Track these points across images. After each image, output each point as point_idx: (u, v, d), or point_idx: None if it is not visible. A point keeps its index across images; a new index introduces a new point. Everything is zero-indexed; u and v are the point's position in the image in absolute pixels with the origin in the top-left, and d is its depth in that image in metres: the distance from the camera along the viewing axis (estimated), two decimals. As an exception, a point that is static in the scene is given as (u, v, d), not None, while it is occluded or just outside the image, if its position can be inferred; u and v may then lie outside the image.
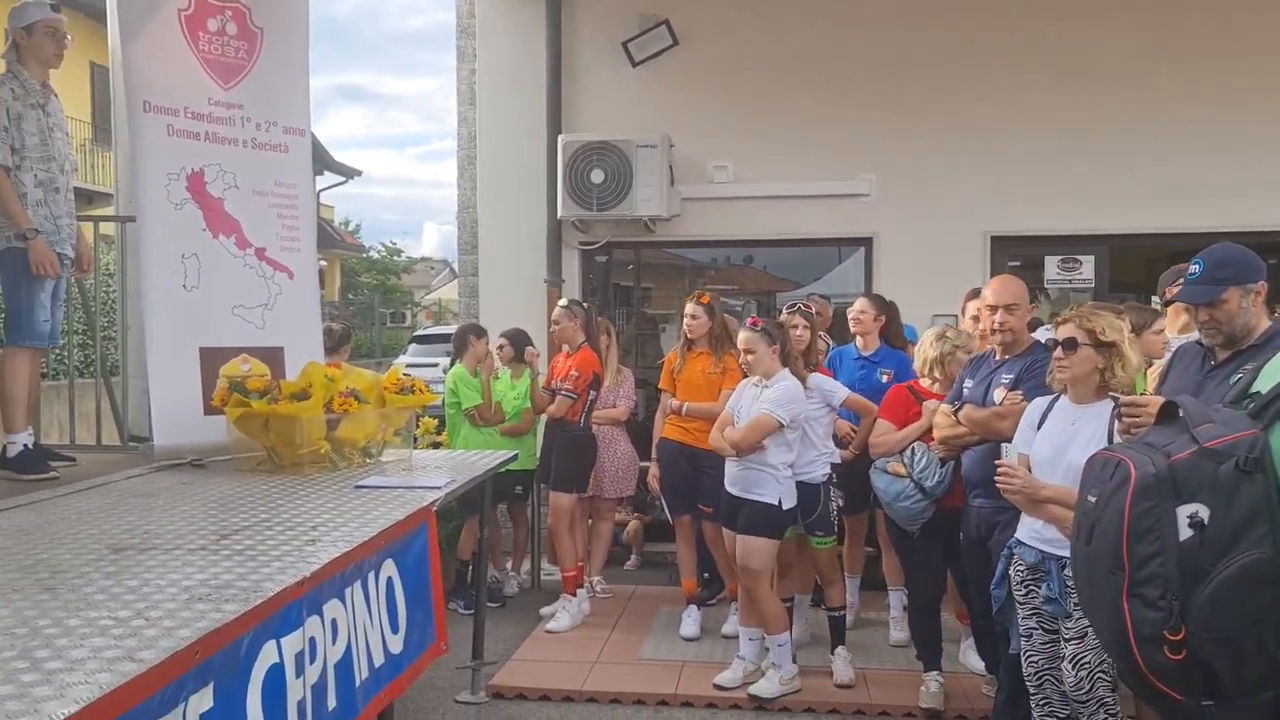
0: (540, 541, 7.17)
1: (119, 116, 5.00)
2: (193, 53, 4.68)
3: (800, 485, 4.82)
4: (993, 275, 5.95)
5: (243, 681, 2.29)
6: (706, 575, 6.11)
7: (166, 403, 4.53)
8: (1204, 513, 2.46)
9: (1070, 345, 3.46)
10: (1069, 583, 3.28)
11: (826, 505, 4.99)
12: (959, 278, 6.32)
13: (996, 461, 3.56)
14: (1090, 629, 3.12)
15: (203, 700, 2.11)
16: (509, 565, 6.99)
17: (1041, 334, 4.92)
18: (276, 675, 2.42)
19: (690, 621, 5.71)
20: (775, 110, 7.49)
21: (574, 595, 6.04)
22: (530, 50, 7.63)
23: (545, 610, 6.16)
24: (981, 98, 7.33)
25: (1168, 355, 3.75)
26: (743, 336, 4.82)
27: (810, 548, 5.08)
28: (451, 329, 22.03)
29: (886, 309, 5.76)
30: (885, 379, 5.46)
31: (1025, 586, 3.56)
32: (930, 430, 4.45)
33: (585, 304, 6.51)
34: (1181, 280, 3.31)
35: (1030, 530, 3.54)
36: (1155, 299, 5.46)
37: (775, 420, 4.61)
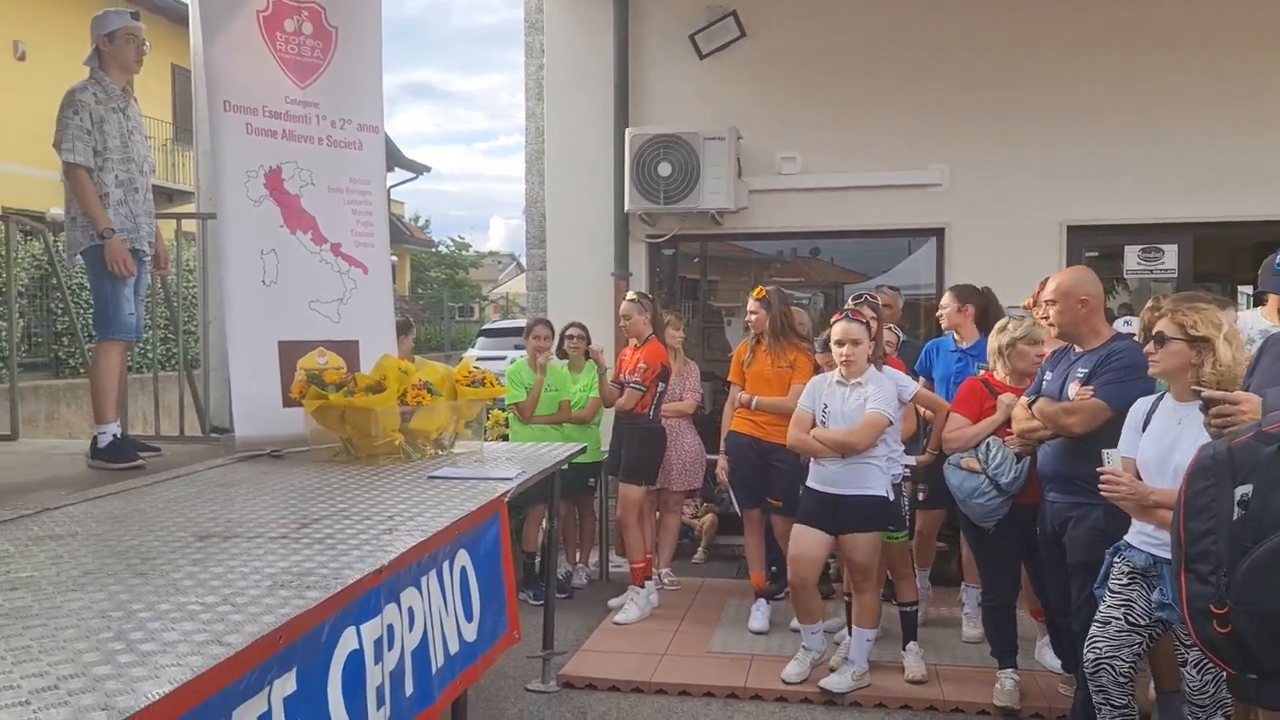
0: (608, 533, 7.21)
1: (200, 116, 5.15)
2: (270, 52, 4.78)
3: None
4: (1069, 266, 5.83)
5: (324, 667, 2.34)
6: (775, 569, 6.08)
7: (247, 395, 4.64)
8: (1250, 492, 2.51)
9: (1160, 339, 3.36)
10: None
11: (899, 499, 4.94)
12: (1034, 269, 6.17)
13: (1099, 469, 3.42)
14: None
15: (286, 684, 2.17)
16: (577, 557, 7.04)
17: (1120, 325, 4.82)
18: (356, 661, 2.47)
19: (759, 615, 5.69)
20: (844, 100, 7.42)
21: (642, 587, 6.07)
22: (597, 45, 7.66)
23: (613, 602, 6.19)
24: (1057, 83, 7.17)
25: (1257, 344, 3.63)
26: (850, 328, 4.67)
27: (883, 542, 5.01)
28: (519, 323, 22.25)
29: (975, 298, 5.67)
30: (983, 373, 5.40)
31: (1129, 578, 3.45)
32: (1005, 425, 4.37)
33: (651, 297, 6.52)
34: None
35: (1141, 534, 3.42)
36: (1243, 289, 5.30)
37: (888, 418, 4.59)
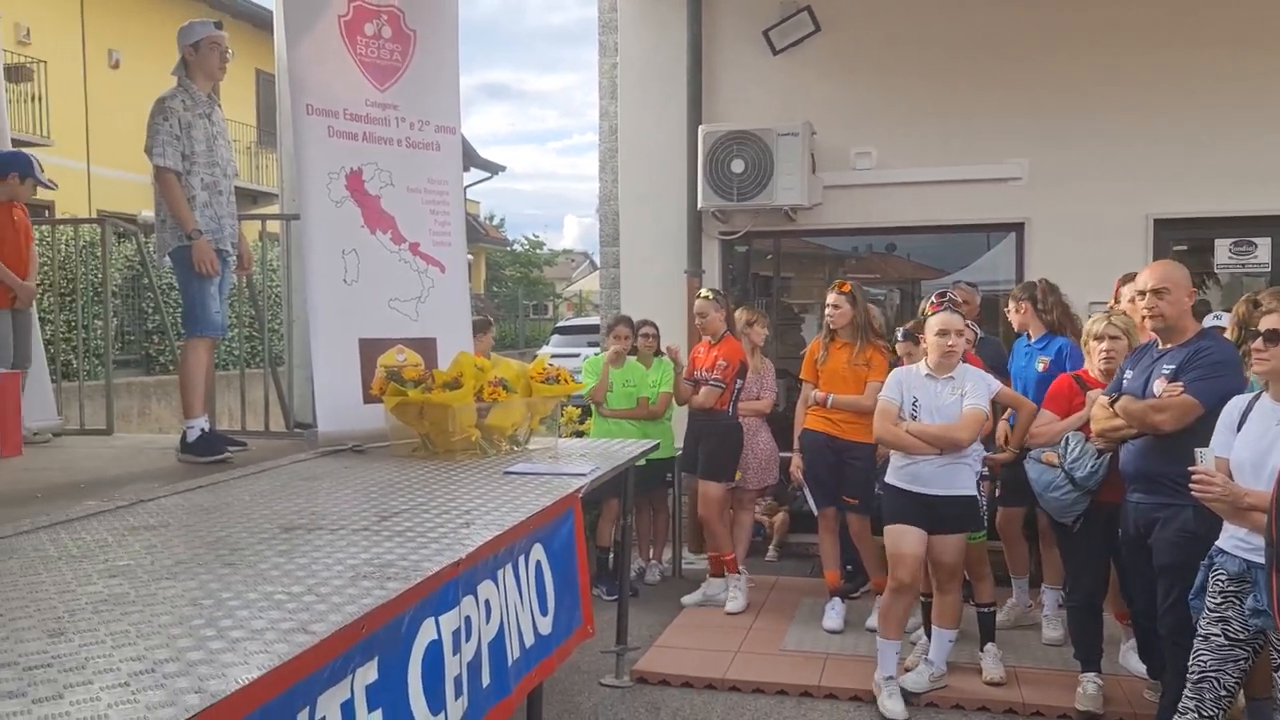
0: (681, 530, 7.23)
1: (284, 119, 5.29)
2: (351, 56, 4.90)
3: None
4: (1156, 260, 5.67)
5: (404, 657, 2.40)
6: (849, 568, 6.04)
7: (329, 391, 4.77)
8: None
9: (1272, 337, 3.23)
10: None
11: (978, 501, 4.85)
12: (1118, 263, 6.02)
13: (1191, 469, 3.31)
14: None
15: (369, 673, 2.22)
16: (651, 554, 7.06)
17: (1209, 321, 4.68)
18: (435, 652, 2.52)
19: (834, 614, 5.65)
20: (920, 94, 7.31)
21: (739, 573, 6.12)
22: (671, 42, 7.67)
23: (687, 599, 6.21)
24: (1140, 73, 6.97)
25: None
26: (952, 319, 4.56)
27: None
28: (592, 320, 22.38)
29: (1030, 293, 5.56)
30: (1041, 367, 5.30)
31: (1223, 596, 3.32)
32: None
33: (725, 294, 6.52)
34: None
35: (1234, 539, 3.30)
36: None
37: (986, 413, 4.51)
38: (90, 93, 17.57)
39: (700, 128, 7.37)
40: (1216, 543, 3.39)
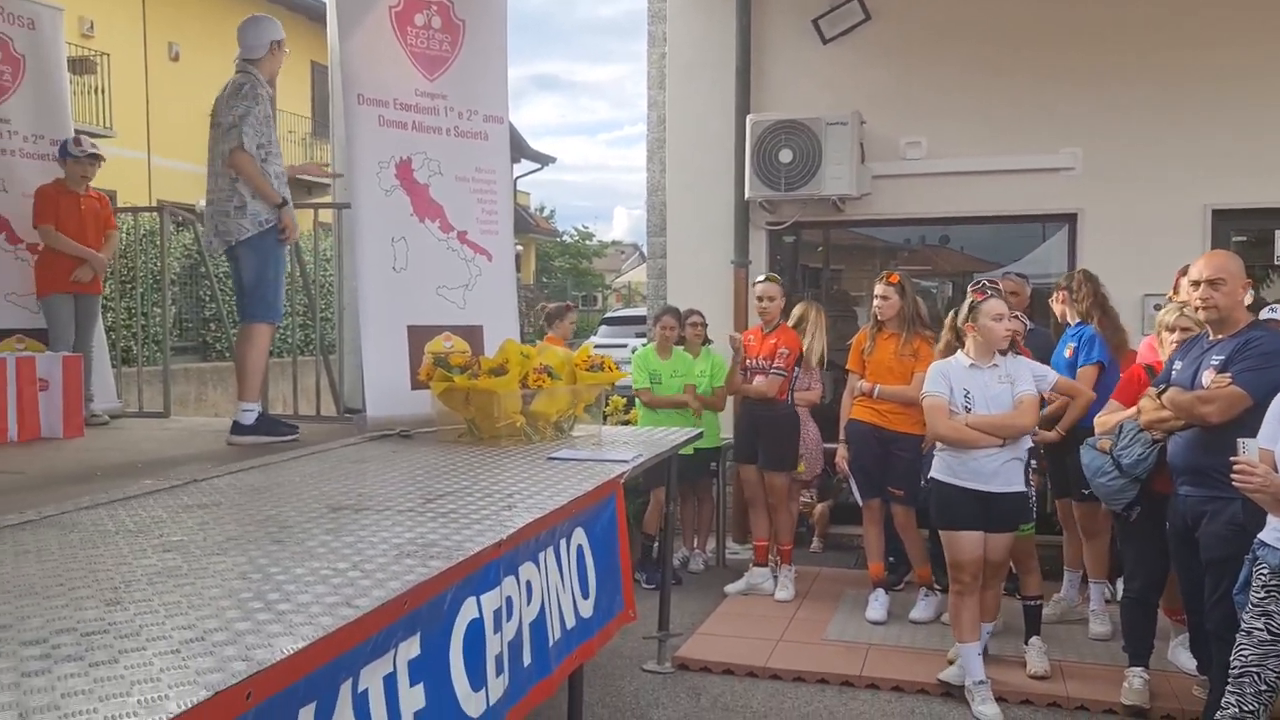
0: (725, 519, 7.25)
1: (336, 109, 5.38)
2: (401, 46, 4.97)
3: None
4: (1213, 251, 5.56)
5: (446, 634, 2.45)
6: (892, 559, 6.01)
7: (378, 377, 4.85)
8: None
9: None
10: None
11: (1029, 492, 4.80)
12: (1174, 255, 5.90)
13: (1233, 459, 3.26)
14: None
15: (411, 648, 2.28)
16: (694, 543, 7.09)
17: (1265, 314, 4.59)
18: (476, 630, 2.57)
19: (877, 605, 5.63)
20: (971, 83, 7.22)
21: (790, 565, 6.17)
22: (720, 32, 7.65)
23: (730, 588, 6.23)
24: (1198, 60, 6.81)
25: None
26: (1001, 306, 4.52)
27: None
28: (640, 311, 22.41)
29: (1068, 282, 5.50)
30: (1068, 353, 5.26)
31: (1266, 590, 3.27)
32: None
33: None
34: None
35: (1276, 531, 3.25)
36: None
37: (1037, 397, 4.49)
38: (150, 85, 17.95)
39: (748, 117, 7.35)
40: (1259, 535, 3.33)
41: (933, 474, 4.63)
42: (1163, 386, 3.95)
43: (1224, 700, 3.36)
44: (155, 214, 6.35)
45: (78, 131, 6.14)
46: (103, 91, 16.46)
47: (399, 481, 3.56)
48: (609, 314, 26.15)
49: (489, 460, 3.97)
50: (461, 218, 5.15)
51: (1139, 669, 4.44)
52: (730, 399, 6.79)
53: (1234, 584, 3.45)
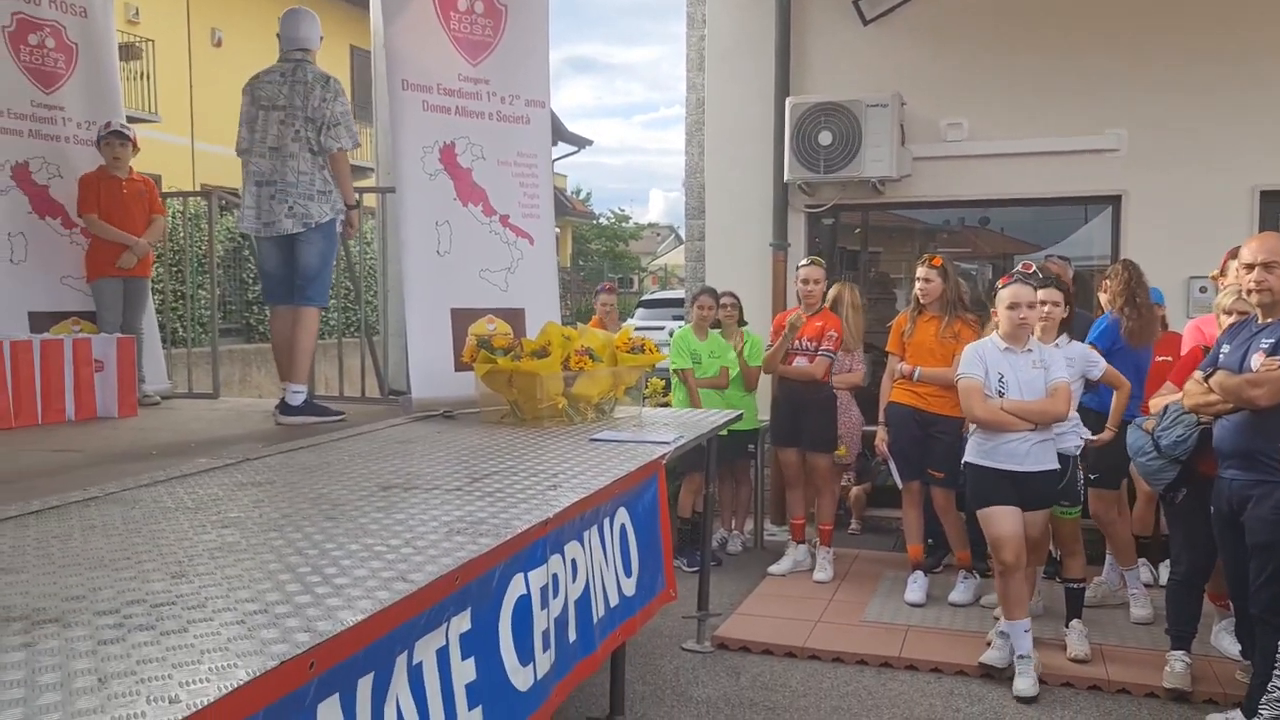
0: (763, 501, 7.28)
1: (380, 95, 5.45)
2: (445, 32, 5.02)
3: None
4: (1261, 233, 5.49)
5: (495, 609, 2.51)
6: (931, 541, 6.02)
7: (422, 359, 4.93)
8: None
9: None
10: None
11: (1074, 475, 4.81)
12: (1220, 237, 5.84)
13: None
14: None
15: (462, 622, 2.34)
16: (732, 524, 7.13)
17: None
18: (524, 606, 2.64)
19: (916, 587, 5.65)
20: (1014, 63, 7.15)
21: (829, 546, 6.22)
22: (760, 13, 7.63)
23: (773, 568, 6.26)
24: (1247, 39, 6.70)
25: None
26: (1021, 291, 4.52)
27: (1054, 517, 4.89)
28: (677, 293, 22.40)
29: (1106, 272, 5.50)
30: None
31: None
32: None
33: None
34: None
35: None
36: None
37: (1070, 384, 4.50)
38: (194, 70, 18.18)
39: (788, 100, 7.34)
40: None
41: (966, 458, 4.68)
42: (1210, 370, 3.92)
43: (1271, 684, 3.35)
44: (199, 198, 6.45)
45: (129, 119, 6.26)
46: (148, 77, 16.70)
47: (445, 461, 3.63)
48: (646, 296, 26.16)
49: (532, 441, 4.03)
50: (504, 202, 5.20)
51: (1181, 652, 4.42)
52: (768, 381, 6.81)
53: None
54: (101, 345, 5.01)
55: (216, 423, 4.99)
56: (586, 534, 3.16)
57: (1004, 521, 4.48)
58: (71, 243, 5.79)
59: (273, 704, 1.65)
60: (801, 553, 6.32)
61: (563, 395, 4.58)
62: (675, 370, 6.63)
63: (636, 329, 13.58)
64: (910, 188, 7.43)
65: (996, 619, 5.01)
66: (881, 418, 5.83)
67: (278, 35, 5.00)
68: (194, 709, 1.46)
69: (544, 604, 2.74)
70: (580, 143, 28.63)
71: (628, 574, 3.49)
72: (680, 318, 7.08)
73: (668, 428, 4.47)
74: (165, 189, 12.38)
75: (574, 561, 3.02)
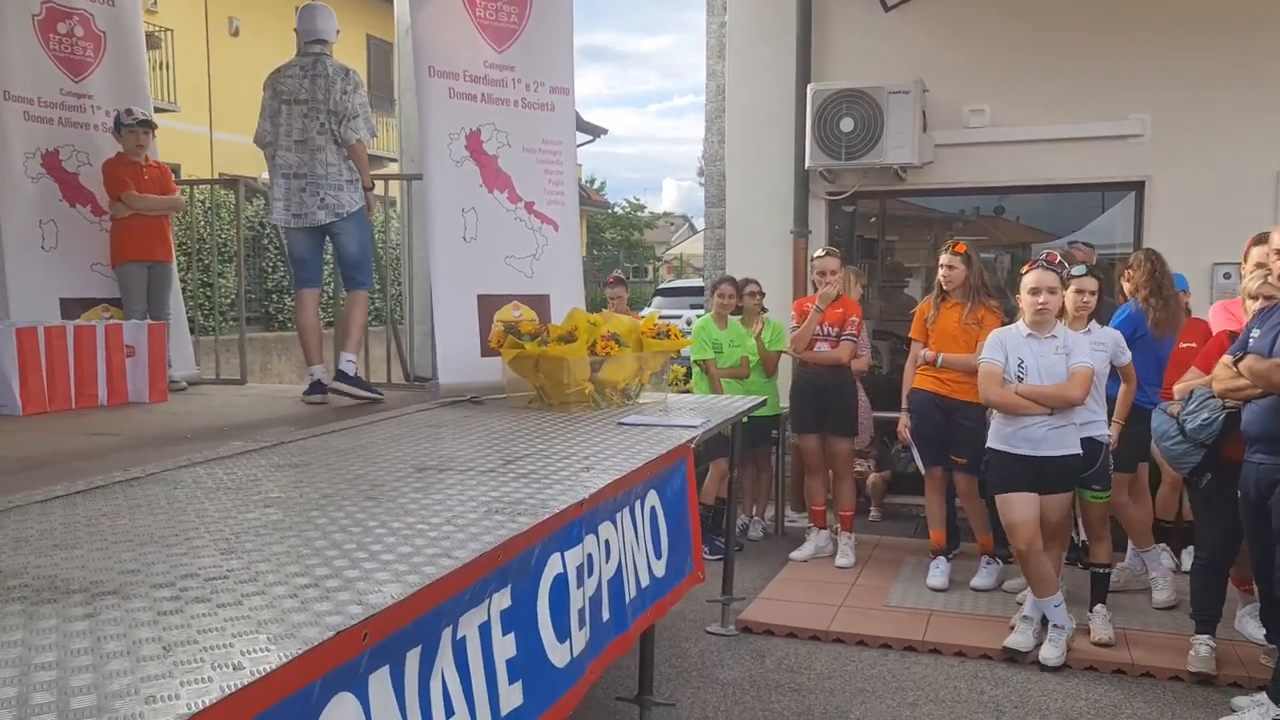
0: (784, 487, 7.31)
1: (405, 83, 5.49)
2: (470, 19, 5.04)
3: (1085, 442, 4.66)
4: (1286, 219, 5.48)
5: (534, 587, 2.55)
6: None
7: (449, 345, 4.97)
8: None
9: None
10: None
11: (1106, 460, 4.83)
12: (1245, 223, 5.82)
13: None
14: None
15: (503, 599, 2.38)
16: (753, 510, 7.16)
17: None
18: (561, 584, 2.67)
19: (938, 572, 5.67)
20: (1037, 49, 7.13)
21: (850, 531, 6.25)
22: (780, 1, 7.62)
23: (795, 554, 6.30)
24: (1272, 24, 6.65)
25: None
26: (1045, 276, 4.56)
27: (1083, 501, 4.91)
28: (693, 282, 22.42)
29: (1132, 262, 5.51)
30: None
31: None
32: None
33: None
34: None
35: None
36: None
37: (1093, 370, 4.53)
38: (212, 60, 18.25)
39: (809, 86, 7.34)
40: None
41: (988, 443, 4.74)
42: (1239, 354, 3.93)
43: None
44: (214, 187, 6.52)
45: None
46: (167, 67, 16.78)
47: (477, 444, 3.67)
48: (662, 285, 26.19)
49: (560, 425, 4.07)
50: (529, 188, 5.23)
51: (1206, 637, 4.44)
52: (787, 368, 6.85)
53: None
54: (133, 331, 5.07)
55: (247, 407, 5.04)
56: (619, 515, 3.19)
57: (1017, 507, 4.56)
58: (101, 230, 5.84)
59: (329, 673, 1.69)
60: (823, 538, 6.36)
61: (589, 380, 4.62)
62: (697, 361, 6.66)
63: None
64: (932, 174, 7.43)
65: (1019, 604, 5.04)
66: (904, 404, 5.85)
67: (295, 30, 5.13)
68: (258, 675, 1.50)
69: (579, 583, 2.77)
70: (595, 131, 28.57)
71: (658, 555, 3.53)
72: (697, 306, 7.12)
73: (693, 413, 4.50)
74: (184, 177, 12.48)
75: (607, 542, 3.05)
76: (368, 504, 2.66)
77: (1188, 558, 5.37)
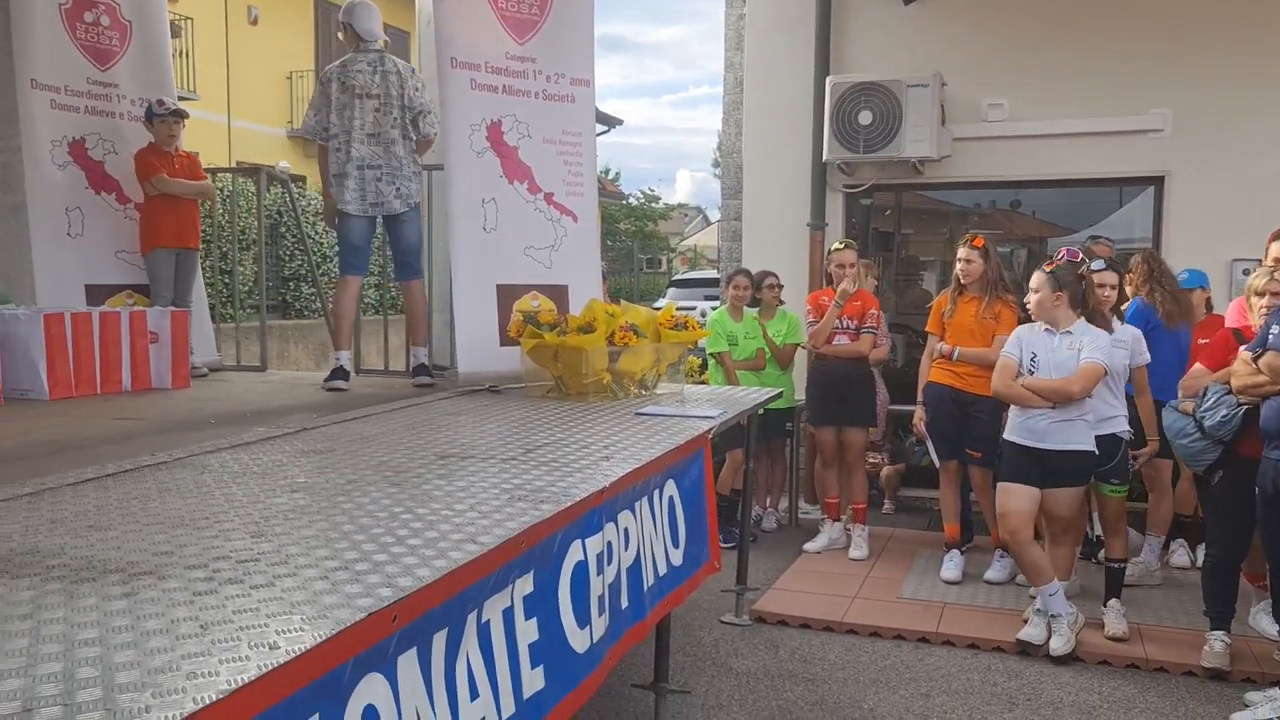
0: (798, 479, 7.34)
1: (428, 73, 5.51)
2: (492, 10, 5.08)
3: (1104, 438, 4.69)
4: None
5: (555, 573, 2.59)
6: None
7: (468, 334, 5.02)
8: None
9: None
10: None
11: (1125, 456, 4.85)
12: (1267, 218, 5.80)
13: None
14: None
15: (526, 585, 2.42)
16: (768, 502, 7.19)
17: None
18: (581, 572, 2.71)
19: (952, 565, 5.70)
20: (1056, 42, 7.11)
21: (864, 523, 6.29)
22: (800, -8, 7.62)
23: (809, 546, 6.32)
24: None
25: None
26: (1035, 277, 4.71)
27: (1100, 495, 4.94)
28: (707, 274, 22.41)
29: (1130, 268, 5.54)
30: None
31: None
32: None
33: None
34: None
35: None
36: None
37: (1104, 367, 4.54)
38: (230, 48, 18.34)
39: (828, 79, 7.33)
40: None
41: (1004, 434, 4.82)
42: (1259, 350, 3.93)
43: None
44: (240, 176, 6.58)
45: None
46: (187, 55, 16.86)
47: (497, 433, 3.71)
48: (676, 276, 26.20)
49: (579, 415, 4.11)
50: (549, 179, 5.26)
51: (1220, 632, 4.45)
52: (802, 361, 6.87)
53: None
54: (156, 318, 5.13)
55: (268, 394, 5.10)
56: (638, 504, 3.22)
57: (1009, 497, 4.67)
58: (125, 218, 5.91)
59: (360, 654, 1.74)
60: (836, 530, 6.39)
61: (607, 371, 4.65)
62: (712, 353, 6.67)
63: (669, 308, 13.57)
64: (950, 168, 7.42)
65: (1032, 597, 5.06)
66: (920, 397, 5.87)
67: (345, 24, 5.26)
68: (293, 654, 1.55)
69: (599, 570, 2.81)
70: (611, 122, 28.56)
71: (675, 544, 3.56)
72: (712, 298, 7.14)
73: (710, 404, 4.53)
74: (204, 167, 12.54)
75: (626, 530, 3.09)
76: (392, 490, 2.70)
77: (1202, 554, 5.38)
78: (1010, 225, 8.34)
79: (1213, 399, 4.17)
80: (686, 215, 46.93)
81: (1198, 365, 4.53)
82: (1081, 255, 4.82)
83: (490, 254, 5.08)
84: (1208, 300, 5.69)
